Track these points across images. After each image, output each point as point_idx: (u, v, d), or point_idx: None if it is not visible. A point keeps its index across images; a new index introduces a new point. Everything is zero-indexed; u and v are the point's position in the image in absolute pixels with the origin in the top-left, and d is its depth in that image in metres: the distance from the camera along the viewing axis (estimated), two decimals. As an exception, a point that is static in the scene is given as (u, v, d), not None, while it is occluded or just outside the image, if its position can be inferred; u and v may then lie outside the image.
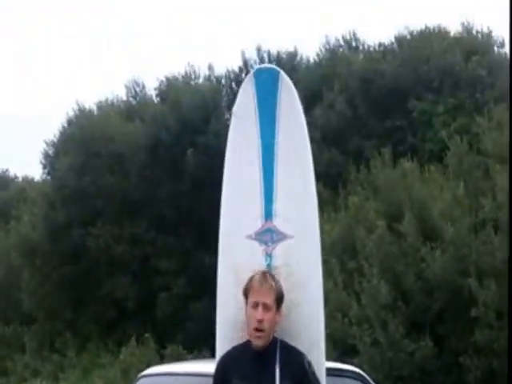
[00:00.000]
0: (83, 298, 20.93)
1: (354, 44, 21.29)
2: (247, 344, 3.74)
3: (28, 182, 29.50)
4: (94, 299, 20.66)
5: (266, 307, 3.66)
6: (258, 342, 3.67)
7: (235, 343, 3.80)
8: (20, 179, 32.41)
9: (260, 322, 3.65)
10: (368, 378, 5.99)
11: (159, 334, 18.68)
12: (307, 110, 18.87)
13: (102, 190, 21.08)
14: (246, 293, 3.72)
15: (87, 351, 19.99)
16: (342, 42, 21.34)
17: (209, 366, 4.07)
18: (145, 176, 21.42)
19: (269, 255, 3.91)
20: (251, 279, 3.72)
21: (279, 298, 3.73)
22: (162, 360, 14.10)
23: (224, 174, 4.03)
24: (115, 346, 18.98)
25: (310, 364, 3.69)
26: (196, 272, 18.80)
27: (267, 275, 3.74)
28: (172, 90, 22.82)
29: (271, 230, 3.92)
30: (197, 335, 16.07)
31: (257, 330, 3.64)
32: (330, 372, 4.26)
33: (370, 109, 18.32)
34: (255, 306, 3.67)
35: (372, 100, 18.25)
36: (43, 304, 21.52)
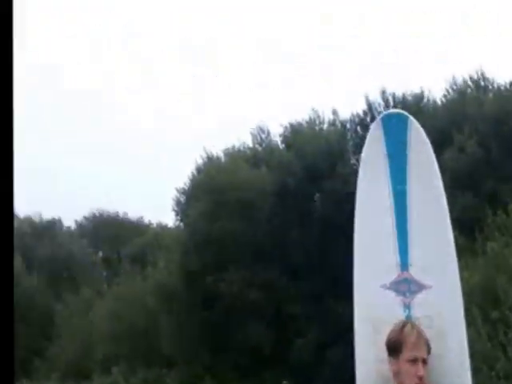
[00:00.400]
0: (219, 344, 21.15)
1: (482, 83, 20.83)
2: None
3: (162, 228, 30.25)
4: (230, 345, 20.82)
5: (424, 362, 3.59)
6: None
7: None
8: (154, 225, 33.32)
9: (421, 378, 3.57)
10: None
11: (296, 380, 18.55)
12: (436, 153, 18.49)
13: (232, 236, 21.36)
14: (397, 346, 3.63)
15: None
16: (469, 82, 20.99)
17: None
18: (273, 222, 21.58)
19: (407, 306, 3.83)
20: (402, 331, 3.64)
21: (429, 352, 3.66)
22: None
23: (355, 222, 4.00)
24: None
25: None
26: (329, 318, 18.64)
27: (419, 328, 3.67)
28: (297, 135, 23.05)
29: (408, 280, 3.85)
30: (333, 382, 15.86)
31: None
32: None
33: (504, 150, 17.85)
34: (414, 361, 3.58)
35: (505, 141, 17.78)
36: (182, 347, 21.89)
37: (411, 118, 3.94)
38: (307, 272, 21.07)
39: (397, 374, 3.62)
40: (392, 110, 4.36)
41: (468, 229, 15.11)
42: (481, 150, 17.97)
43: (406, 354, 3.57)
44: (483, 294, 11.77)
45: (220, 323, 21.18)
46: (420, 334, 3.63)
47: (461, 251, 12.87)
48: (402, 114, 3.97)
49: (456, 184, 17.65)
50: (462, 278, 9.78)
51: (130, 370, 23.30)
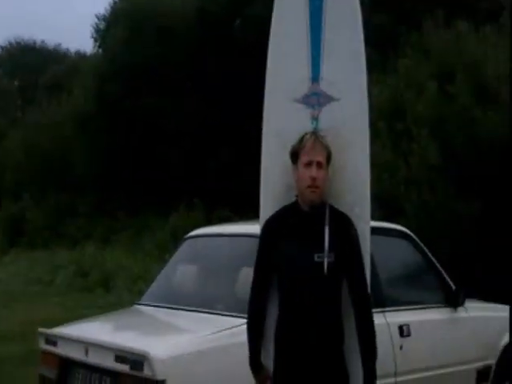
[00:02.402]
0: (135, 166, 21.34)
1: None
2: (295, 205, 3.74)
3: (80, 55, 29.68)
4: (146, 166, 21.04)
5: (319, 165, 3.66)
6: (312, 197, 3.67)
7: (281, 206, 3.80)
8: (73, 53, 32.67)
9: (314, 179, 3.64)
10: (413, 235, 6.02)
11: (208, 198, 18.98)
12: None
13: (152, 63, 21.14)
14: (296, 153, 3.72)
15: (138, 215, 20.52)
16: None
17: (254, 227, 4.10)
18: (193, 48, 21.35)
19: (315, 118, 3.88)
20: (302, 139, 3.72)
21: (329, 157, 3.74)
22: (209, 223, 14.37)
23: (270, 35, 3.96)
24: (165, 210, 19.40)
25: (356, 231, 3.70)
26: (244, 141, 18.86)
27: (318, 135, 3.74)
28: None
29: (318, 94, 3.89)
30: (244, 200, 16.27)
31: (311, 186, 3.61)
32: (376, 231, 4.30)
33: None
34: (308, 164, 3.66)
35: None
36: (95, 171, 22.05)
37: None
38: (224, 98, 21.07)
39: (297, 180, 3.72)
40: None
41: (383, 47, 15.18)
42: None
43: (302, 158, 3.70)
44: (391, 109, 11.99)
45: (136, 148, 21.29)
46: (317, 140, 3.65)
47: (373, 68, 13.05)
48: None
49: (375, 3, 17.55)
50: (372, 94, 9.95)
51: (42, 195, 23.42)
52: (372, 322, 3.75)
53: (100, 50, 24.76)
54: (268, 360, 3.84)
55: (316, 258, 3.65)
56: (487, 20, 13.14)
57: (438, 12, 13.49)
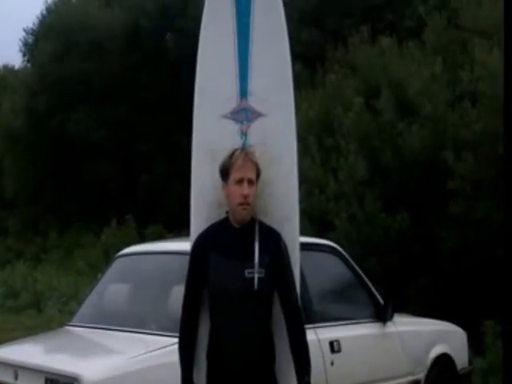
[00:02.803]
0: (65, 183, 21.09)
1: None
2: (225, 221, 3.77)
3: (8, 70, 29.18)
4: (76, 183, 20.81)
5: (250, 182, 3.69)
6: (243, 215, 3.71)
7: (211, 222, 3.83)
8: (1, 66, 32.00)
9: (246, 197, 3.67)
10: (342, 251, 6.09)
11: (140, 215, 18.88)
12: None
13: (82, 78, 20.98)
14: (226, 170, 3.74)
15: (69, 233, 20.24)
16: None
17: (186, 245, 4.10)
18: (125, 62, 21.28)
19: (244, 134, 3.92)
20: (232, 156, 3.73)
21: (259, 173, 3.77)
22: (142, 240, 14.28)
23: (198, 54, 3.98)
24: (97, 228, 19.21)
25: (285, 246, 3.74)
26: (176, 154, 18.85)
27: (248, 151, 3.76)
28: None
29: (246, 109, 3.93)
30: (177, 216, 16.23)
31: (243, 204, 3.65)
32: (305, 247, 4.34)
33: (349, -13, 18.00)
34: (240, 181, 3.68)
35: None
36: (26, 189, 21.72)
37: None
38: (156, 110, 21.05)
39: (227, 197, 3.74)
40: None
41: (312, 63, 15.38)
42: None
43: (233, 175, 3.71)
44: (320, 124, 12.15)
45: (67, 164, 21.04)
46: (247, 157, 3.68)
47: (302, 84, 13.19)
48: None
49: (303, 20, 17.77)
50: (301, 109, 10.09)
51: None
52: (304, 334, 3.79)
53: (29, 65, 24.43)
54: (201, 379, 3.83)
55: (246, 274, 3.68)
56: (409, 37, 13.46)
57: (362, 28, 13.76)
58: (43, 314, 14.14)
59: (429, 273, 10.43)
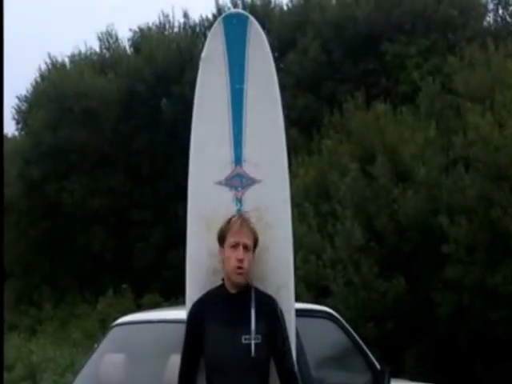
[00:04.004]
0: (60, 253, 20.94)
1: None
2: (221, 288, 3.77)
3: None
4: (71, 253, 20.67)
5: (245, 248, 3.70)
6: (238, 279, 3.71)
7: (207, 289, 3.82)
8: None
9: (241, 261, 3.68)
10: (339, 317, 6.04)
11: (136, 284, 18.75)
12: (281, 56, 18.81)
13: (77, 145, 20.99)
14: (223, 235, 3.75)
15: (64, 303, 20.03)
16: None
17: (182, 313, 4.07)
18: (119, 129, 21.33)
19: (239, 200, 3.94)
20: (229, 221, 3.76)
21: (256, 241, 3.79)
22: (139, 309, 14.13)
23: (193, 119, 4.02)
24: (93, 298, 19.04)
25: (281, 311, 3.74)
26: (171, 222, 18.82)
27: (245, 218, 3.79)
28: (146, 40, 22.54)
29: (241, 175, 3.95)
30: (173, 284, 16.12)
31: (238, 268, 3.66)
32: (301, 313, 4.32)
33: (344, 54, 18.29)
34: (235, 246, 3.70)
35: (345, 45, 18.20)
36: (19, 259, 21.52)
37: (251, 18, 3.97)
38: (152, 178, 21.07)
39: (223, 262, 3.74)
40: (233, 10, 4.38)
41: (307, 129, 15.52)
42: (323, 54, 18.35)
43: (229, 239, 3.71)
44: (317, 190, 12.21)
45: (61, 233, 20.94)
46: (244, 223, 3.70)
47: (299, 149, 13.30)
48: (242, 14, 4.04)
49: (299, 86, 17.99)
50: (297, 175, 10.15)
51: (-38, 280, 22.69)
52: None
53: (22, 133, 24.41)
54: None
55: (243, 341, 3.66)
56: (404, 102, 13.62)
57: (357, 94, 13.93)
58: (39, 387, 13.91)
59: (426, 337, 10.37)
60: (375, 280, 10.53)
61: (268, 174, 3.95)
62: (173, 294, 15.41)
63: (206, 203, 3.93)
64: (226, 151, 3.95)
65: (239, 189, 3.96)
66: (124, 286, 18.39)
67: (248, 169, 3.95)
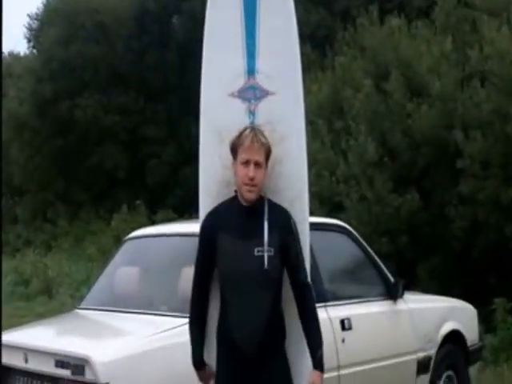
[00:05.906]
0: (74, 169, 21.06)
1: None
2: (234, 200, 3.73)
3: (14, 57, 29.05)
4: (85, 169, 20.79)
5: (257, 165, 3.64)
6: (249, 196, 3.67)
7: (221, 200, 3.78)
8: (6, 55, 31.90)
9: (252, 179, 3.63)
10: (353, 231, 6.05)
11: (150, 200, 18.88)
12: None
13: (89, 62, 20.87)
14: (235, 148, 3.69)
15: (79, 220, 20.23)
16: None
17: (195, 226, 4.06)
18: (131, 46, 21.16)
19: (252, 113, 3.85)
20: (241, 135, 3.68)
21: (268, 155, 3.71)
22: (153, 225, 14.24)
23: (205, 28, 3.93)
24: (107, 214, 19.22)
25: (295, 224, 3.70)
26: (184, 139, 18.84)
27: (257, 132, 3.70)
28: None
29: (254, 87, 3.86)
30: (187, 200, 16.24)
31: (249, 185, 3.62)
32: (315, 227, 4.30)
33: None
34: (246, 163, 3.64)
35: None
36: (34, 176, 21.66)
37: None
38: (164, 95, 21.00)
39: (235, 176, 3.71)
40: None
41: (321, 45, 15.31)
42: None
43: (240, 156, 3.67)
44: (330, 107, 12.12)
45: (75, 150, 21.02)
46: (255, 138, 3.62)
47: (312, 65, 13.14)
48: None
49: (312, 1, 17.69)
50: (311, 92, 10.06)
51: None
52: (315, 310, 3.77)
53: (34, 51, 24.27)
54: (211, 359, 3.81)
55: (256, 253, 3.65)
56: (419, 16, 13.36)
57: (371, 9, 13.67)
58: (55, 300, 14.14)
59: (439, 252, 10.42)
60: (389, 195, 10.52)
61: (282, 86, 3.86)
62: (186, 210, 15.51)
63: (218, 115, 3.86)
64: (239, 62, 3.86)
65: (252, 101, 3.89)
66: (138, 202, 18.54)
67: (261, 80, 3.88)
